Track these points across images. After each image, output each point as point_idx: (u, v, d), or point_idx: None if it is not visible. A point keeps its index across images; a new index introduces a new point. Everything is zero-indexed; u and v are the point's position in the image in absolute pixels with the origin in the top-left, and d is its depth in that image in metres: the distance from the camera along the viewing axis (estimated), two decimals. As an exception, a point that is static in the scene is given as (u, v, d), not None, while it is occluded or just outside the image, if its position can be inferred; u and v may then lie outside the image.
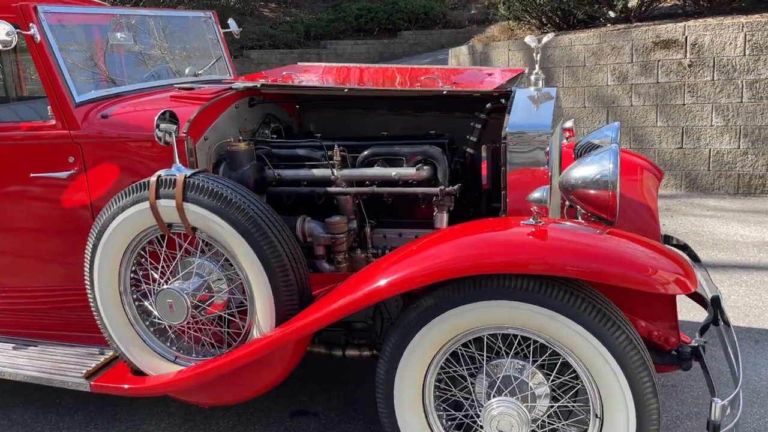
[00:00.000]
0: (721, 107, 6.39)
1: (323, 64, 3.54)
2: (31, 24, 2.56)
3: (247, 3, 18.60)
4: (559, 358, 2.07)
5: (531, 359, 2.08)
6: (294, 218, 2.77)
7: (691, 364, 2.34)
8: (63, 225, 2.79)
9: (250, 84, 2.98)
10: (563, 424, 2.12)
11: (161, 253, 2.47)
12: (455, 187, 2.65)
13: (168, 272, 2.43)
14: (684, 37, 6.47)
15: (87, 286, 2.56)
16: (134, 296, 2.56)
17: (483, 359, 2.15)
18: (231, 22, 3.88)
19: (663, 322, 2.29)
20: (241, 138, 2.86)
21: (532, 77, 2.67)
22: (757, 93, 6.25)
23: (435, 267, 1.98)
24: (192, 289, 2.37)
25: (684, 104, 6.55)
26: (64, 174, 2.69)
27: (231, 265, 2.42)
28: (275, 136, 3.11)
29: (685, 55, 6.49)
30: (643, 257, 1.93)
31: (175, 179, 2.33)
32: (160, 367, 2.55)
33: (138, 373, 2.61)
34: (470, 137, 2.77)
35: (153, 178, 2.36)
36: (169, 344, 2.58)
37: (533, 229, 2.00)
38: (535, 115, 2.50)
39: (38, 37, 2.57)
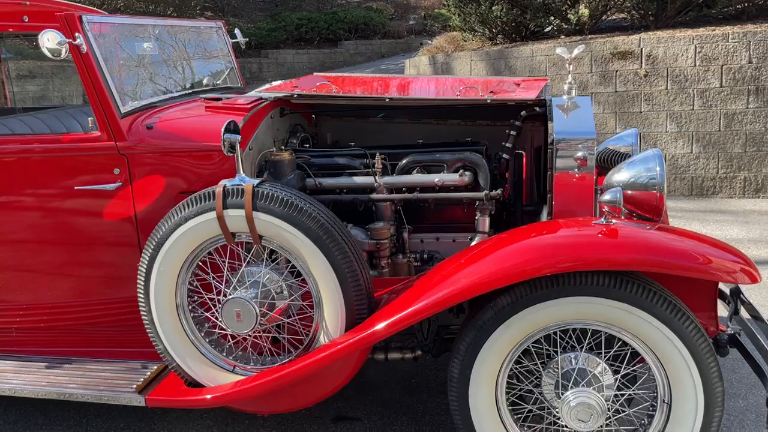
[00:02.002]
0: (674, 114, 6.83)
1: (335, 74, 3.60)
2: (76, 34, 2.51)
3: (183, 11, 18.25)
4: (625, 349, 2.21)
5: (603, 352, 2.21)
6: None
7: (728, 350, 2.54)
8: (105, 238, 2.74)
9: (283, 94, 3.02)
10: (631, 412, 2.27)
11: (223, 264, 2.46)
12: (498, 191, 2.77)
13: (233, 281, 2.43)
14: (639, 48, 6.88)
15: (141, 298, 2.52)
16: (190, 307, 2.54)
17: (553, 353, 2.27)
18: (237, 32, 3.88)
19: (704, 312, 2.48)
20: (283, 147, 2.89)
21: (565, 86, 2.83)
22: (707, 101, 6.72)
23: (523, 266, 2.09)
24: (261, 297, 2.38)
25: (641, 111, 6.96)
26: (110, 186, 2.64)
27: (292, 272, 2.45)
28: (308, 145, 3.15)
29: (641, 66, 6.90)
30: (714, 252, 2.11)
31: (242, 189, 2.35)
32: (218, 377, 2.54)
33: (192, 384, 2.59)
34: (505, 144, 2.90)
35: (219, 188, 2.36)
36: (225, 354, 2.57)
37: (609, 229, 2.14)
38: (578, 122, 2.65)
39: (84, 48, 2.52)
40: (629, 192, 2.53)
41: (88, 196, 2.67)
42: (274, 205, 2.33)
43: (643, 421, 2.31)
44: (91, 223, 2.72)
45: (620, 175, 2.56)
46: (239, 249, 2.46)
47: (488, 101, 2.77)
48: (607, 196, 2.23)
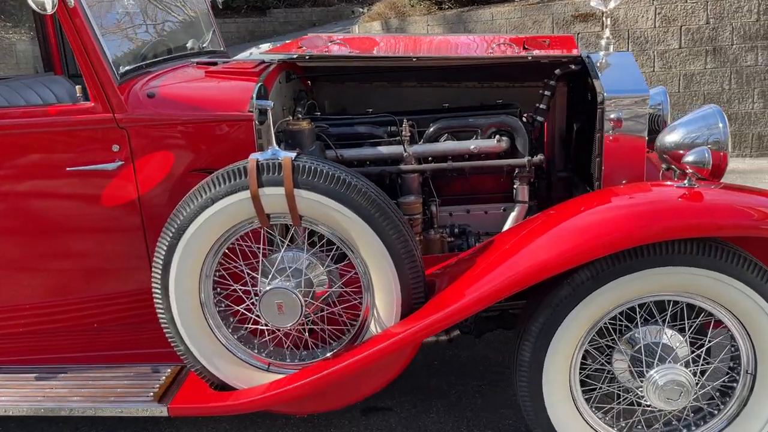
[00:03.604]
0: (636, 76, 6.84)
1: (339, 35, 3.27)
2: (62, -16, 2.09)
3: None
4: (698, 320, 2.08)
5: (686, 324, 2.07)
6: None
7: None
8: (103, 226, 2.35)
9: (289, 56, 2.69)
10: (713, 385, 2.14)
11: (253, 250, 2.15)
12: (540, 157, 2.57)
13: (271, 269, 2.12)
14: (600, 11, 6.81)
15: (157, 294, 2.18)
16: (215, 300, 2.22)
17: (625, 329, 2.11)
18: (214, -8, 3.48)
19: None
20: (300, 116, 2.57)
21: (603, 42, 2.64)
22: (667, 62, 6.75)
23: (612, 236, 1.89)
24: (305, 286, 2.09)
25: (603, 74, 6.93)
26: (111, 166, 2.25)
27: (335, 255, 2.17)
28: (318, 113, 2.83)
29: (602, 28, 6.84)
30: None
31: (279, 163, 2.03)
32: (252, 378, 2.24)
33: (220, 387, 2.28)
34: (540, 105, 2.69)
35: (251, 163, 2.04)
36: (257, 351, 2.27)
37: (699, 192, 1.97)
38: (626, 79, 2.47)
39: (72, 1, 2.11)
40: (681, 152, 2.38)
41: (82, 177, 2.28)
42: (317, 180, 2.03)
43: (717, 394, 2.19)
44: (86, 209, 2.33)
45: (675, 134, 2.40)
46: (274, 233, 2.15)
47: (529, 58, 2.54)
48: (690, 157, 2.06)
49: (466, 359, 3.14)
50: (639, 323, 2.10)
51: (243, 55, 3.26)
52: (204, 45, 3.13)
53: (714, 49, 6.68)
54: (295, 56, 2.69)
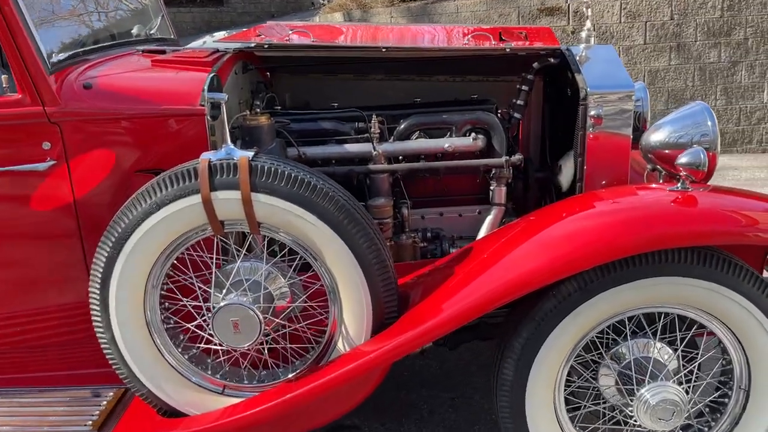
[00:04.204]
0: (601, 72, 6.77)
1: (299, 23, 3.04)
2: (-20, -43, 1.82)
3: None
4: (689, 333, 1.94)
5: (678, 336, 1.92)
6: None
7: None
8: (33, 233, 2.09)
9: (246, 45, 2.45)
10: (706, 401, 2.00)
11: (204, 261, 1.92)
12: (519, 156, 2.39)
13: (225, 282, 1.89)
14: (567, 4, 6.73)
15: (95, 311, 1.93)
16: (163, 316, 1.98)
17: (612, 342, 1.95)
18: (162, -28, 3.20)
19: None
20: (258, 110, 2.34)
21: (583, 34, 2.47)
22: (632, 58, 6.70)
23: (605, 244, 1.73)
24: (264, 301, 1.87)
25: (569, 70, 6.84)
26: (41, 166, 1.98)
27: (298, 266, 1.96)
28: (278, 107, 2.60)
29: (569, 23, 6.76)
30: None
31: (235, 164, 1.81)
32: (205, 403, 2.01)
33: (170, 414, 2.04)
34: (517, 101, 2.52)
35: (202, 164, 1.81)
36: (211, 372, 2.04)
37: (695, 196, 1.82)
38: (610, 74, 2.32)
39: (-8, -24, 1.84)
40: (667, 152, 2.24)
41: (9, 178, 2.00)
42: (278, 182, 1.81)
43: (707, 410, 2.06)
44: (15, 213, 2.06)
45: (661, 133, 2.25)
46: (229, 241, 1.93)
47: (507, 50, 2.36)
48: (684, 158, 1.91)
49: (437, 370, 2.96)
50: (628, 336, 1.95)
51: (196, 44, 3.01)
52: (152, 32, 2.86)
53: (678, 45, 6.66)
54: (252, 45, 2.46)
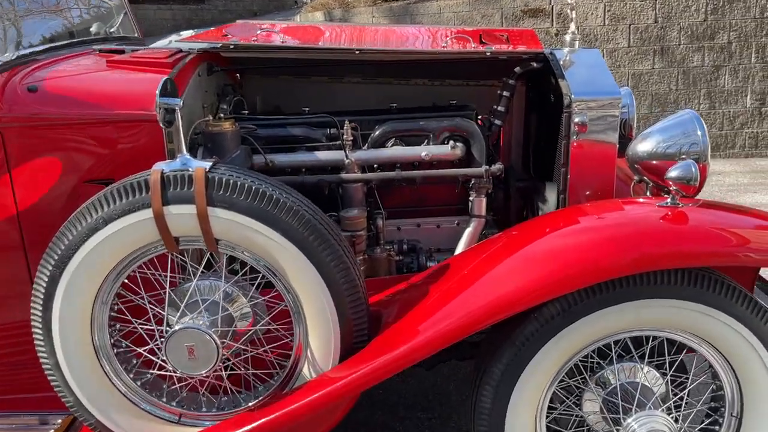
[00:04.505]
0: (585, 75, 6.68)
1: (271, 21, 2.88)
2: None
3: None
4: (684, 357, 1.82)
5: (667, 360, 1.80)
6: None
7: None
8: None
9: (212, 45, 2.30)
10: (696, 430, 1.89)
11: (160, 279, 1.77)
12: (500, 165, 2.27)
13: (180, 304, 1.74)
14: (550, 6, 6.63)
15: (37, 336, 1.77)
16: (112, 340, 1.83)
17: (596, 366, 1.83)
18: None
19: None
20: (221, 115, 2.19)
21: (567, 37, 2.35)
22: (615, 61, 6.62)
23: (586, 266, 1.60)
24: (222, 324, 1.72)
25: (552, 72, 6.75)
26: (-22, 175, 1.82)
27: (258, 285, 1.81)
28: (245, 112, 2.45)
29: (552, 24, 6.67)
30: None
31: (190, 175, 1.65)
32: (159, 432, 1.86)
33: (121, 445, 1.88)
34: (498, 107, 2.39)
35: (154, 175, 1.65)
36: (166, 399, 1.88)
37: (681, 213, 1.70)
38: (595, 80, 2.20)
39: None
40: (654, 163, 2.12)
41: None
42: (238, 196, 1.66)
43: (696, 437, 1.94)
44: (-50, 229, 1.89)
45: (648, 142, 2.13)
46: (184, 259, 1.77)
47: (488, 54, 2.23)
48: (675, 172, 1.79)
49: (413, 388, 2.82)
50: (614, 359, 1.83)
51: (161, 43, 2.85)
52: (112, 30, 2.69)
53: (662, 48, 6.60)
54: (219, 45, 2.31)
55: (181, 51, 2.30)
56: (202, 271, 1.79)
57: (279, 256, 1.70)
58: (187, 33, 2.73)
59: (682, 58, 6.58)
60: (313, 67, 2.62)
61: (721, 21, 6.44)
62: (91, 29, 2.62)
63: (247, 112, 2.42)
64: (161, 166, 1.68)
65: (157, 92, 1.64)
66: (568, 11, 2.39)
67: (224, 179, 1.66)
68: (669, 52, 6.61)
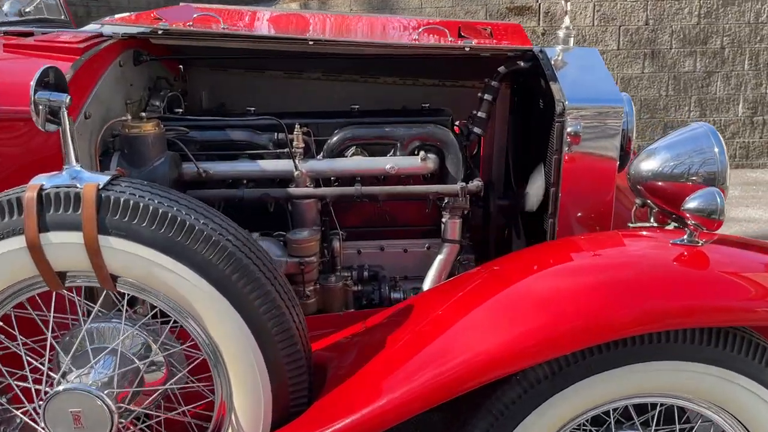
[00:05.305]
0: (572, 78, 6.37)
1: (218, 6, 2.50)
2: None
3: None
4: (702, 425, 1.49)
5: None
6: None
7: None
8: None
9: (139, 29, 1.93)
10: None
11: (43, 323, 1.39)
12: (478, 182, 1.91)
13: (65, 357, 1.36)
14: (537, 3, 6.30)
15: None
16: (-17, 399, 1.45)
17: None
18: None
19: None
20: (143, 114, 1.81)
21: (561, 33, 2.01)
22: (606, 62, 6.31)
23: (583, 321, 1.25)
24: (119, 382, 1.35)
25: (538, 74, 6.43)
26: None
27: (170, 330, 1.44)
28: (179, 110, 2.07)
29: (539, 23, 6.34)
30: None
31: (77, 193, 1.28)
32: None
33: None
34: (478, 113, 2.04)
35: (29, 193, 1.27)
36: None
37: (701, 254, 1.36)
38: (593, 84, 1.86)
39: None
40: (661, 184, 1.79)
41: None
42: (139, 221, 1.29)
43: None
44: None
45: (655, 160, 1.79)
46: (76, 298, 1.40)
47: (467, 49, 1.87)
48: (694, 203, 1.44)
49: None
50: (612, 428, 1.48)
51: (91, 27, 2.45)
52: (28, 9, 2.29)
53: (652, 52, 6.30)
54: (147, 31, 1.93)
55: (102, 35, 1.92)
56: (100, 312, 1.42)
57: (193, 298, 1.33)
58: (119, 16, 2.34)
59: (673, 62, 6.29)
60: (264, 60, 2.26)
61: (714, 25, 6.16)
62: (2, 8, 2.22)
63: (181, 110, 2.05)
64: (41, 180, 1.30)
65: (32, 83, 1.26)
66: (563, 2, 2.04)
67: (122, 199, 1.29)
68: (660, 56, 6.31)
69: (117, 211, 1.28)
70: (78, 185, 1.29)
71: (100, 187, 1.29)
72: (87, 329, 1.38)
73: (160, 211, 1.29)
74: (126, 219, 1.28)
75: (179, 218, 1.30)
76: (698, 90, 6.35)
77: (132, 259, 1.30)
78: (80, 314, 1.41)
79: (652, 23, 6.23)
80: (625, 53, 6.31)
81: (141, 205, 1.29)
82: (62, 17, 2.53)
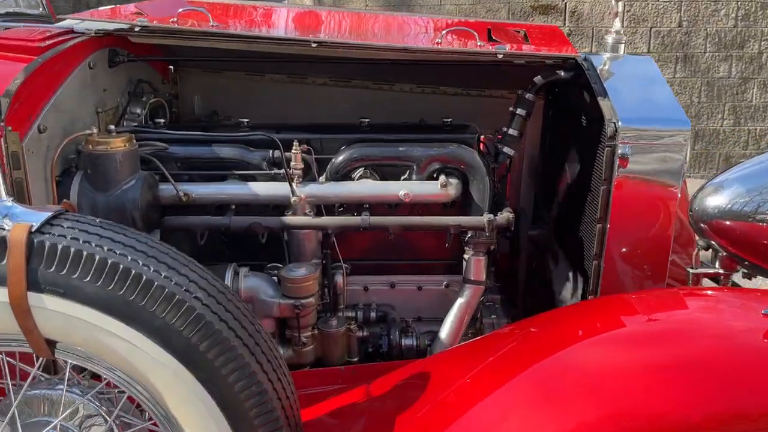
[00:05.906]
0: (598, 81, 6.05)
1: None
2: None
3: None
4: None
5: None
6: (217, 267, 1.55)
7: None
8: None
9: (118, 25, 1.66)
10: None
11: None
12: (508, 214, 1.61)
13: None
14: (563, 3, 5.98)
15: None
16: None
17: None
18: None
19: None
20: (113, 127, 1.53)
21: (610, 38, 1.71)
22: (633, 68, 5.97)
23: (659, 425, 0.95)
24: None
25: (562, 77, 6.11)
26: None
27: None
28: (162, 121, 1.79)
29: (564, 23, 6.01)
30: None
31: (3, 237, 1.00)
32: None
33: None
34: (509, 130, 1.74)
35: (-59, 235, 1.00)
36: None
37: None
38: (651, 101, 1.56)
39: None
40: (729, 224, 1.48)
41: None
42: (81, 275, 1.01)
43: None
44: None
45: (723, 195, 1.48)
46: (9, 360, 1.12)
47: (499, 56, 1.57)
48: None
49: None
50: None
51: (66, 23, 2.19)
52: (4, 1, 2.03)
53: (685, 56, 5.95)
54: (125, 27, 1.66)
55: (73, 32, 1.65)
56: (43, 376, 1.14)
57: (149, 371, 1.04)
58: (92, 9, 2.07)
59: (707, 67, 5.94)
60: (265, 62, 1.98)
61: (752, 28, 5.80)
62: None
63: (163, 121, 1.77)
64: (-42, 218, 1.02)
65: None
66: (613, 2, 1.73)
67: (60, 246, 1.00)
68: (693, 60, 5.96)
69: (53, 261, 1.00)
70: (5, 226, 1.01)
71: (33, 229, 1.00)
72: (23, 398, 1.10)
73: (110, 261, 1.01)
74: (64, 272, 1.00)
75: (134, 271, 1.01)
76: (733, 97, 6.00)
77: (72, 323, 1.02)
78: (17, 378, 1.13)
79: (685, 25, 5.89)
80: (656, 56, 5.95)
81: (84, 253, 1.01)
82: (40, 10, 2.26)
